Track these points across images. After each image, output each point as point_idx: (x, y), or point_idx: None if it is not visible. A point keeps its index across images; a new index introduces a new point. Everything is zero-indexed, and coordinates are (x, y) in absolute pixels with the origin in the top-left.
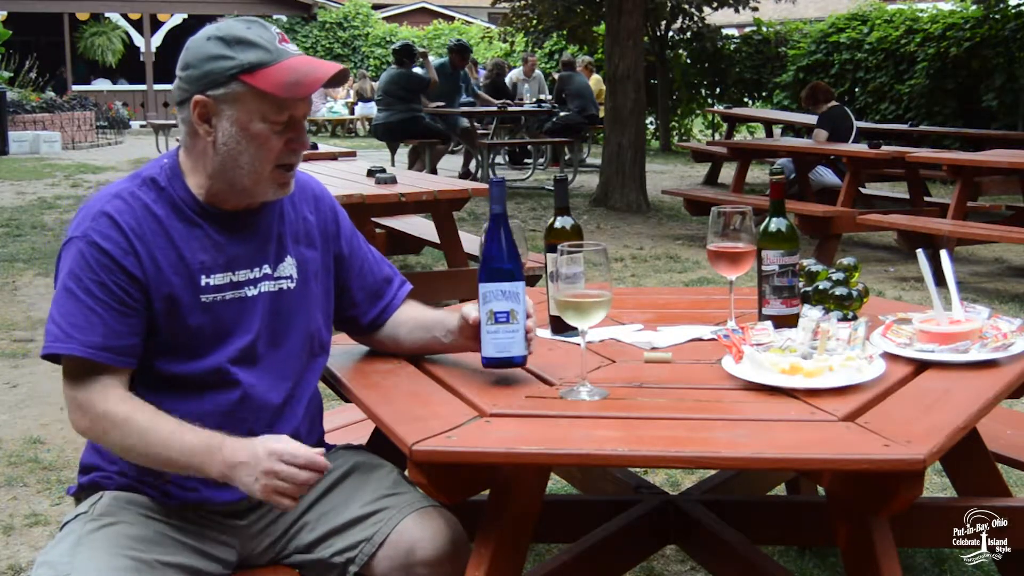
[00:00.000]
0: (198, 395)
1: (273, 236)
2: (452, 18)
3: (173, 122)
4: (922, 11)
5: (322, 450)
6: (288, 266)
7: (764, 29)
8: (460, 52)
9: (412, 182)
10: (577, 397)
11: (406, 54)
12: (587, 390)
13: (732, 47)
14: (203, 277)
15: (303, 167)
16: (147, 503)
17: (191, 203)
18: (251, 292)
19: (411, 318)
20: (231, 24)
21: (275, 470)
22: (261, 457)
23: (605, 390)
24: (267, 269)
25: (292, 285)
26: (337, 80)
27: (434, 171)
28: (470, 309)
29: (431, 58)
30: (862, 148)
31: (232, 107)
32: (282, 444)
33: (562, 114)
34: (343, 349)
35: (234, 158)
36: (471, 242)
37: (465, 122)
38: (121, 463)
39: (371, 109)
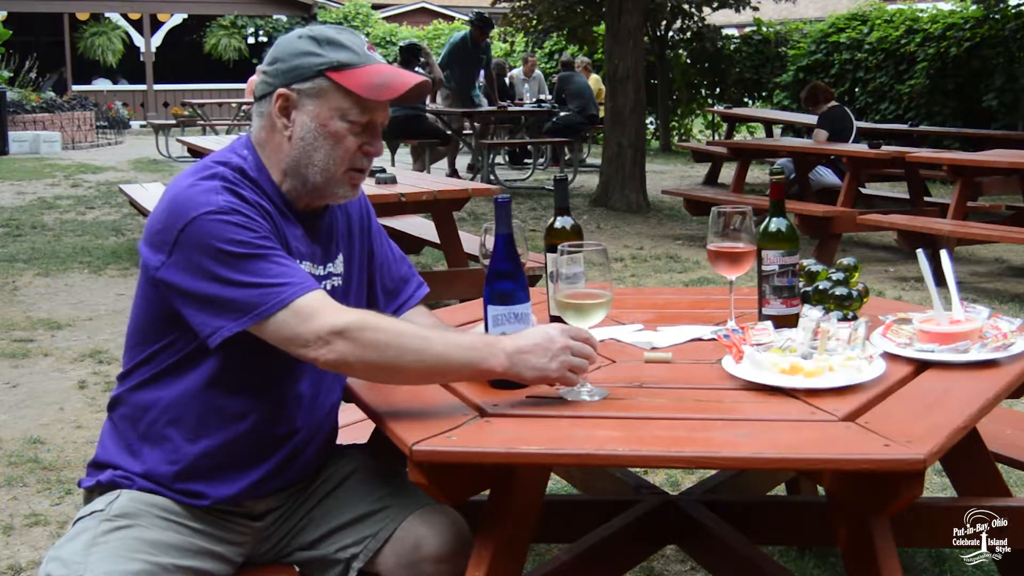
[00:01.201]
0: (261, 387)
1: (333, 235)
2: (452, 18)
3: (173, 122)
4: (922, 11)
5: None
6: (339, 263)
7: (764, 29)
8: (481, 25)
9: (412, 182)
10: (577, 398)
11: (413, 54)
12: (587, 390)
13: (732, 47)
14: (298, 261)
15: None
16: (166, 505)
17: (276, 195)
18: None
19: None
20: (322, 27)
21: (570, 346)
22: (555, 337)
23: (605, 390)
24: (331, 267)
25: (340, 282)
26: (418, 92)
27: (454, 172)
28: None
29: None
30: (862, 148)
31: (314, 102)
32: (562, 324)
33: (562, 114)
34: None
35: (309, 154)
36: (471, 242)
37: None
38: (149, 462)
39: None
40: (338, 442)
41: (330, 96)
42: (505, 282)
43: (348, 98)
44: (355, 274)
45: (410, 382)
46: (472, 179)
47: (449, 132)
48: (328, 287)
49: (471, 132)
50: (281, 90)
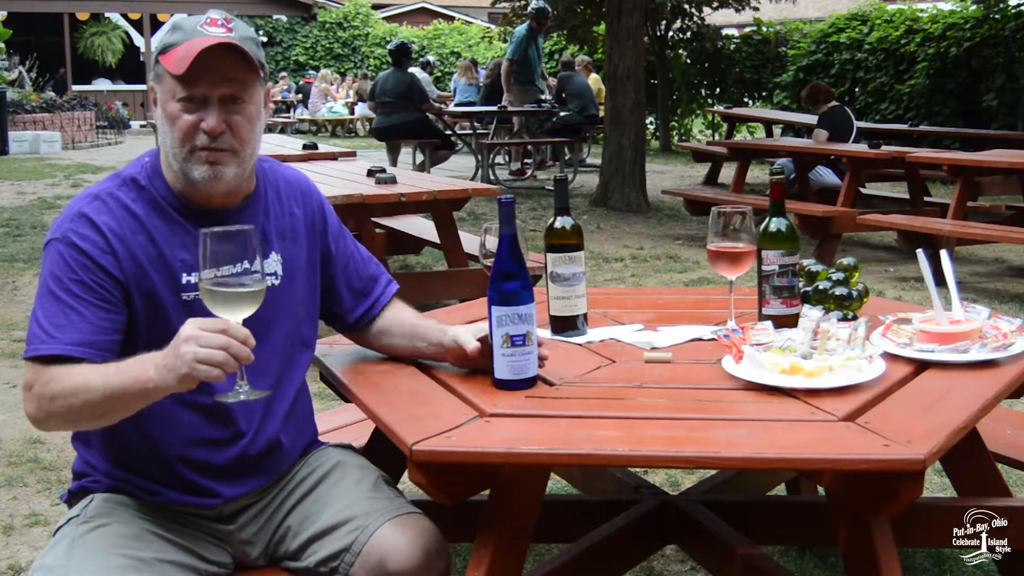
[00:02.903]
0: (178, 396)
1: (257, 232)
2: (452, 18)
3: None
4: (922, 11)
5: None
6: (273, 262)
7: (764, 29)
8: (538, 17)
9: (412, 182)
10: (236, 399)
11: (404, 54)
12: (244, 391)
13: (732, 47)
14: (184, 275)
15: (301, 166)
16: (137, 504)
17: (172, 200)
18: None
19: (398, 323)
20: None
21: (194, 336)
22: (181, 332)
23: (267, 391)
24: (256, 264)
25: (277, 282)
26: (247, 62)
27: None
28: (466, 337)
29: (430, 58)
30: (862, 148)
31: (157, 89)
32: (196, 318)
33: (562, 114)
34: (343, 349)
35: (163, 140)
36: (471, 242)
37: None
38: (107, 464)
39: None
40: (337, 442)
41: (164, 79)
42: (509, 283)
43: (173, 78)
44: (300, 275)
45: (96, 421)
46: (472, 179)
47: (449, 133)
48: None
49: (520, 127)
50: (150, 84)
